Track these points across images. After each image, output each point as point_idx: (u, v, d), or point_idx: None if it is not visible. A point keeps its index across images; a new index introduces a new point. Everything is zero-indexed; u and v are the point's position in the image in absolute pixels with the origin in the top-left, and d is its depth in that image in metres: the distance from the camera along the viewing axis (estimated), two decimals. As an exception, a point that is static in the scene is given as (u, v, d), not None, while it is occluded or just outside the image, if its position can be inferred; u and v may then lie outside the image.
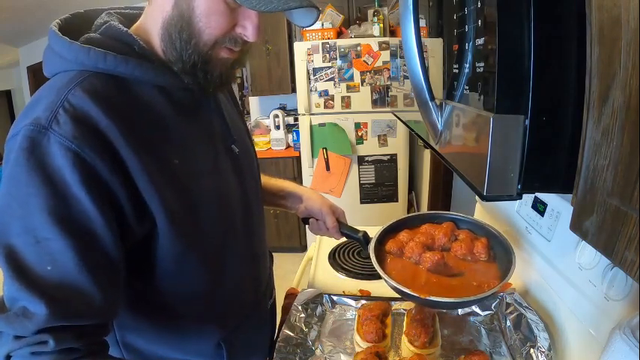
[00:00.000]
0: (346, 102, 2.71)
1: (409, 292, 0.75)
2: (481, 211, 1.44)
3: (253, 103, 3.70)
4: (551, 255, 0.95)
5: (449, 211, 1.18)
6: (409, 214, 1.02)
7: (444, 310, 0.96)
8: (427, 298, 0.74)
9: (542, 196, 1.01)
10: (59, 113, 0.50)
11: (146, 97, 0.59)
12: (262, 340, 0.88)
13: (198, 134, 0.65)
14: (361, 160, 2.82)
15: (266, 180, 0.97)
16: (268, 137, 3.31)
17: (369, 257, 1.17)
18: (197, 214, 0.63)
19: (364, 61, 2.65)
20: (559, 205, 0.93)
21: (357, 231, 0.96)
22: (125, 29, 0.59)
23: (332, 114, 2.73)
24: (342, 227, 0.97)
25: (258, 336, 0.86)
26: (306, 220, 1.02)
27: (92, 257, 0.52)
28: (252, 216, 0.77)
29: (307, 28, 2.69)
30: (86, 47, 0.55)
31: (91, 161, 0.50)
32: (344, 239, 1.30)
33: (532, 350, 0.78)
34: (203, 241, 0.65)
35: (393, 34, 2.83)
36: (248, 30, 0.58)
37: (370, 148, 2.79)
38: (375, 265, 0.83)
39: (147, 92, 0.59)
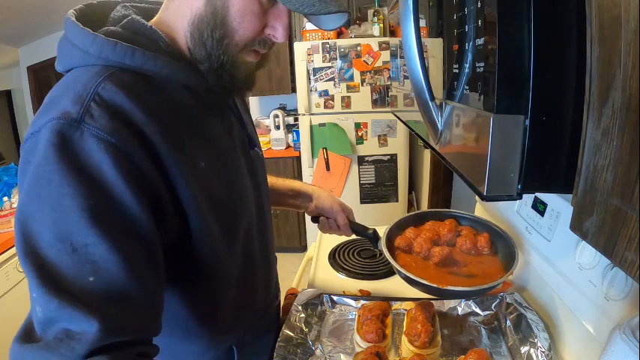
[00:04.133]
0: (346, 102, 2.71)
1: (428, 284, 0.79)
2: (481, 211, 1.44)
3: (253, 103, 3.70)
4: (551, 255, 0.95)
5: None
6: (413, 212, 1.06)
7: (444, 310, 0.96)
8: (446, 288, 0.78)
9: (542, 196, 1.01)
10: (91, 107, 0.46)
11: (174, 96, 0.56)
12: (269, 342, 0.88)
13: (222, 136, 0.64)
14: (361, 160, 2.81)
15: (273, 180, 0.96)
16: (268, 137, 3.31)
17: (369, 257, 1.19)
18: (222, 213, 0.60)
19: (364, 61, 2.65)
20: (559, 205, 0.93)
21: (367, 228, 0.98)
22: (149, 24, 0.56)
23: (332, 114, 2.73)
24: (353, 225, 0.98)
25: (265, 337, 0.87)
26: (315, 219, 1.02)
27: (139, 261, 0.47)
28: (266, 220, 0.77)
29: (307, 29, 2.69)
30: (112, 41, 0.51)
31: (132, 156, 0.46)
32: (345, 238, 1.31)
33: (532, 350, 0.78)
34: (230, 241, 0.63)
35: (393, 34, 2.83)
36: (278, 31, 0.57)
37: (370, 148, 2.79)
38: (389, 260, 0.87)
39: (174, 91, 0.56)
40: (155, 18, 0.60)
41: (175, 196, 0.53)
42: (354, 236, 1.03)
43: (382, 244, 0.92)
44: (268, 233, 0.80)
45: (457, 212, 1.05)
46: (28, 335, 0.43)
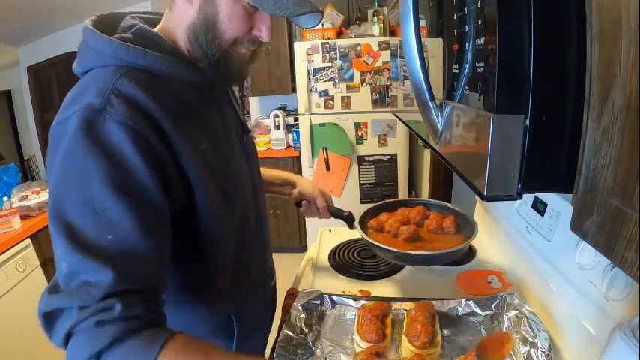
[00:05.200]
0: (346, 102, 2.71)
1: (389, 248, 0.94)
2: (481, 211, 1.44)
3: (253, 103, 3.69)
4: (551, 255, 0.95)
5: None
6: (386, 201, 1.22)
7: (444, 310, 0.96)
8: (406, 252, 0.94)
9: (542, 196, 1.01)
10: (111, 98, 0.55)
11: (179, 91, 0.66)
12: (267, 315, 0.95)
13: (219, 124, 0.73)
14: (361, 160, 2.82)
15: (263, 171, 1.06)
16: (268, 137, 3.31)
17: (369, 257, 1.23)
18: (221, 190, 0.69)
19: (364, 61, 2.65)
20: (559, 205, 0.93)
21: (344, 211, 1.11)
22: (155, 31, 0.67)
23: (332, 114, 2.73)
24: (331, 208, 1.11)
25: (263, 310, 0.94)
26: (299, 204, 1.13)
27: (149, 222, 0.55)
28: (259, 198, 0.86)
29: (307, 29, 2.69)
30: (126, 44, 0.61)
31: (146, 137, 0.56)
32: (345, 238, 1.35)
33: (532, 350, 0.78)
34: (226, 214, 0.71)
35: (393, 34, 2.83)
36: (262, 32, 0.66)
37: (370, 148, 2.79)
38: (360, 233, 1.01)
39: (178, 86, 0.66)
40: (158, 26, 0.70)
41: (181, 171, 0.62)
42: (352, 235, 1.11)
43: (356, 224, 1.06)
44: (262, 212, 0.88)
45: (427, 200, 1.20)
46: (54, 288, 0.53)
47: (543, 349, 0.76)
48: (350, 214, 1.11)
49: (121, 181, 0.54)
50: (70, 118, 0.55)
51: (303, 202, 1.12)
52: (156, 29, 0.68)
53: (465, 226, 1.07)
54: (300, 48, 2.66)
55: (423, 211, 1.13)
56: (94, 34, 0.62)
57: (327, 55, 2.65)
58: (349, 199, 2.84)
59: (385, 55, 2.63)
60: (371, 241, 0.99)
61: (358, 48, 2.63)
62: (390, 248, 0.94)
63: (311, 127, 2.74)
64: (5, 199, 1.95)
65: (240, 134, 0.80)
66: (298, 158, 3.05)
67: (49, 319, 0.52)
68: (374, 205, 1.19)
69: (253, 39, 0.67)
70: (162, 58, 0.63)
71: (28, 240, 1.87)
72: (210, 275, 0.73)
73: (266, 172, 1.08)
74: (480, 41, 0.46)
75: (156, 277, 0.57)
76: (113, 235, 0.52)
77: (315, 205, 1.09)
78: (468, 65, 0.51)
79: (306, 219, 2.96)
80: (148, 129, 0.56)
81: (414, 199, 1.20)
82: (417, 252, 0.95)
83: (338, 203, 1.17)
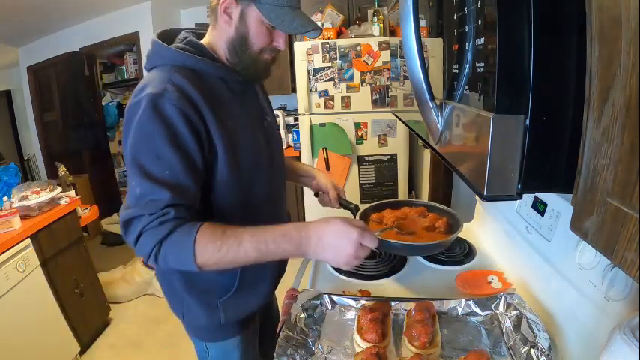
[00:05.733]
0: (346, 102, 2.71)
1: (377, 234, 0.99)
2: (481, 211, 1.44)
3: (253, 103, 3.69)
4: (551, 255, 0.95)
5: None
6: (392, 199, 1.40)
7: (444, 310, 0.96)
8: (384, 239, 1.06)
9: (542, 196, 1.01)
10: (168, 87, 0.80)
11: (213, 84, 0.90)
12: (270, 270, 1.06)
13: (243, 109, 0.96)
14: (361, 160, 2.81)
15: (290, 162, 1.30)
16: (268, 137, 3.31)
17: (369, 257, 1.24)
18: (239, 153, 0.91)
19: (364, 61, 2.65)
20: (559, 205, 0.93)
21: (351, 203, 1.26)
22: (200, 42, 0.92)
23: (332, 114, 2.73)
24: (341, 200, 1.27)
25: (266, 273, 1.06)
26: (316, 194, 1.32)
27: (190, 167, 0.82)
28: (274, 165, 1.05)
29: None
30: (178, 51, 0.87)
31: (189, 114, 0.81)
32: None
33: (532, 350, 0.78)
34: (241, 171, 0.92)
35: (393, 34, 2.83)
36: (280, 43, 0.91)
37: (370, 148, 2.79)
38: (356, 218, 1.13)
39: (213, 81, 0.90)
40: (204, 39, 0.95)
41: (211, 140, 0.85)
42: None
43: (358, 214, 1.23)
44: (276, 175, 1.06)
45: (430, 203, 1.34)
46: (127, 207, 0.80)
47: (543, 349, 0.76)
48: (356, 206, 1.26)
49: (173, 140, 0.79)
50: (142, 100, 0.80)
51: (320, 192, 1.30)
52: (202, 41, 0.94)
53: (456, 228, 1.17)
54: (300, 48, 2.66)
55: (423, 210, 1.28)
56: (158, 43, 0.89)
57: (327, 55, 2.65)
58: (349, 199, 2.83)
59: (385, 55, 2.63)
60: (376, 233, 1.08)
61: (358, 48, 2.63)
62: (377, 234, 1.01)
63: (311, 127, 2.74)
64: (5, 199, 1.95)
65: (261, 119, 1.03)
66: (298, 158, 3.05)
67: (126, 225, 0.80)
68: (381, 202, 1.37)
69: (273, 48, 0.92)
70: (202, 60, 0.88)
71: (28, 240, 1.87)
72: (220, 215, 0.92)
73: (294, 164, 1.33)
74: (480, 41, 0.46)
75: (194, 199, 0.84)
76: (169, 172, 0.79)
77: (328, 195, 1.26)
78: (468, 65, 0.51)
79: (306, 218, 2.97)
80: (190, 109, 0.81)
81: (418, 200, 1.33)
82: (393, 240, 1.08)
83: (338, 203, 1.26)
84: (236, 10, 0.87)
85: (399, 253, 1.24)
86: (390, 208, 1.31)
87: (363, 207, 1.27)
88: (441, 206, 1.30)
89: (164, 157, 0.79)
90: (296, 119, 3.13)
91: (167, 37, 0.93)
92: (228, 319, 1.00)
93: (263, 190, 1.00)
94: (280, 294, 1.04)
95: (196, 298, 0.97)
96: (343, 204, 1.26)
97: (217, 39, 0.92)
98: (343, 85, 2.68)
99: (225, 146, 0.87)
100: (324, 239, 0.80)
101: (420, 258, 1.27)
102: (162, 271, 1.02)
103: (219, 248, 0.78)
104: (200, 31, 0.99)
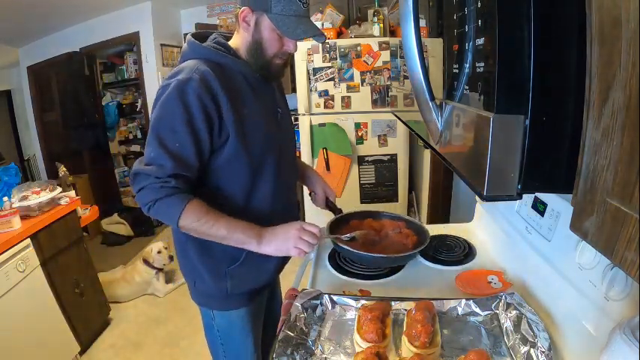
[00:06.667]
0: (346, 102, 2.71)
1: (345, 247, 1.15)
2: (481, 211, 1.44)
3: (253, 103, 3.69)
4: (551, 255, 0.95)
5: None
6: (373, 211, 1.44)
7: (444, 310, 0.96)
8: (353, 250, 1.14)
9: (542, 196, 1.01)
10: (193, 76, 0.95)
11: (234, 76, 1.04)
12: (274, 260, 1.14)
13: (258, 102, 1.08)
14: (361, 160, 2.81)
15: (303, 165, 1.46)
16: (268, 137, 3.30)
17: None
18: (249, 137, 1.04)
19: (364, 61, 2.65)
20: (559, 205, 0.93)
21: (336, 207, 1.38)
22: (226, 42, 1.08)
23: (332, 114, 2.73)
24: (328, 202, 1.39)
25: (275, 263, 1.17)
26: (310, 194, 1.43)
27: (198, 144, 0.97)
28: (284, 153, 1.15)
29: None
30: (207, 48, 1.03)
31: (205, 101, 0.95)
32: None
33: (532, 350, 0.78)
34: (250, 154, 1.04)
35: (393, 34, 2.83)
36: (291, 47, 1.04)
37: (370, 148, 2.78)
38: (326, 234, 1.20)
39: (234, 75, 1.04)
40: (231, 40, 1.10)
41: (223, 124, 0.98)
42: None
43: (326, 228, 1.25)
44: (286, 161, 1.16)
45: (408, 218, 1.39)
46: (141, 162, 0.97)
47: (543, 349, 0.76)
48: (340, 210, 1.39)
49: (189, 120, 0.94)
50: (172, 83, 0.95)
51: (312, 192, 1.42)
52: (229, 42, 1.08)
53: (419, 246, 1.20)
54: (300, 48, 2.66)
55: (398, 225, 1.34)
56: (193, 42, 1.05)
57: (327, 55, 2.65)
58: (349, 199, 2.84)
59: (385, 55, 2.63)
60: (332, 237, 1.20)
61: (358, 48, 2.63)
62: (345, 247, 1.15)
63: (311, 127, 2.74)
64: (5, 199, 1.95)
65: (274, 111, 1.15)
66: (298, 158, 3.05)
67: (135, 176, 0.97)
68: (365, 211, 1.42)
69: (285, 52, 1.05)
70: (225, 56, 1.03)
71: (28, 240, 1.87)
72: (226, 206, 1.04)
73: (304, 165, 1.47)
74: (480, 41, 0.46)
75: (194, 172, 0.99)
76: (179, 144, 0.95)
77: (317, 196, 1.39)
78: (467, 65, 0.51)
79: (306, 218, 2.97)
80: (208, 97, 0.95)
81: (401, 215, 1.41)
82: (363, 253, 1.14)
83: (338, 203, 1.37)
84: (252, 19, 1.01)
85: (354, 258, 1.26)
86: (372, 218, 1.39)
87: (360, 208, 1.33)
88: (419, 223, 1.34)
89: (178, 132, 0.94)
90: (296, 119, 3.12)
91: (199, 37, 1.10)
92: (234, 288, 1.12)
93: (272, 175, 1.11)
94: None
95: (207, 267, 1.11)
96: (330, 206, 1.39)
97: (239, 42, 1.07)
98: (343, 85, 2.68)
99: (236, 130, 0.99)
100: (275, 230, 1.01)
101: (420, 258, 1.27)
102: (179, 241, 1.13)
103: (198, 219, 0.97)
104: (227, 34, 1.15)
